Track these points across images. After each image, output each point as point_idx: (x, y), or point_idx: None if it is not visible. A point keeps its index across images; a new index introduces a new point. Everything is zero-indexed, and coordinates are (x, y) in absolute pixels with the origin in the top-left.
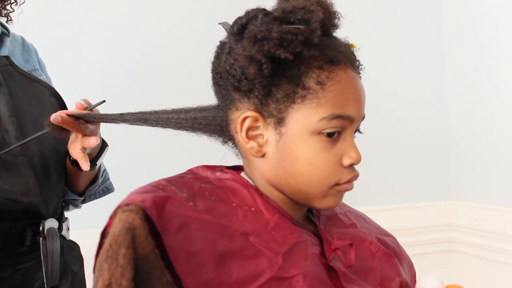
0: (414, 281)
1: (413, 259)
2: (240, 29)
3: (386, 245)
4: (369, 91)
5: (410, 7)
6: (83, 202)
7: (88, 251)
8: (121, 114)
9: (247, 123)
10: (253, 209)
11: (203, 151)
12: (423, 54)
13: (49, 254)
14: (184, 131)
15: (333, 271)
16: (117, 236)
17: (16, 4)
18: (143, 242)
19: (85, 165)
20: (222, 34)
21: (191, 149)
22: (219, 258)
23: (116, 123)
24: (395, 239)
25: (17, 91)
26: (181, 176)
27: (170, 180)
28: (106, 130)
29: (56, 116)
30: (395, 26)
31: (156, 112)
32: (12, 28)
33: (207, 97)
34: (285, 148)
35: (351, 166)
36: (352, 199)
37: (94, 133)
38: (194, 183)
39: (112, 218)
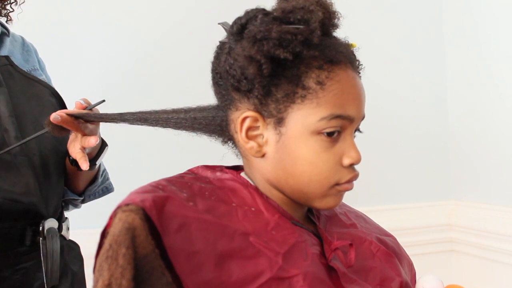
0: (414, 281)
1: (413, 259)
2: (240, 29)
3: (386, 245)
4: (369, 91)
5: (410, 7)
6: (83, 202)
7: (88, 251)
8: (121, 114)
9: (247, 123)
10: (253, 209)
11: (203, 151)
12: (423, 54)
13: (49, 254)
14: (184, 131)
15: (333, 271)
16: (117, 236)
17: (16, 4)
18: (143, 242)
19: (84, 165)
20: (222, 34)
21: (191, 149)
22: (219, 258)
23: (116, 122)
24: (395, 239)
25: (17, 91)
26: (181, 176)
27: (170, 180)
28: (106, 130)
29: (55, 116)
30: (395, 26)
31: (156, 112)
32: (12, 28)
33: (207, 97)
34: (285, 148)
35: (351, 166)
36: (352, 199)
37: (94, 132)
38: (194, 183)
39: (112, 218)
